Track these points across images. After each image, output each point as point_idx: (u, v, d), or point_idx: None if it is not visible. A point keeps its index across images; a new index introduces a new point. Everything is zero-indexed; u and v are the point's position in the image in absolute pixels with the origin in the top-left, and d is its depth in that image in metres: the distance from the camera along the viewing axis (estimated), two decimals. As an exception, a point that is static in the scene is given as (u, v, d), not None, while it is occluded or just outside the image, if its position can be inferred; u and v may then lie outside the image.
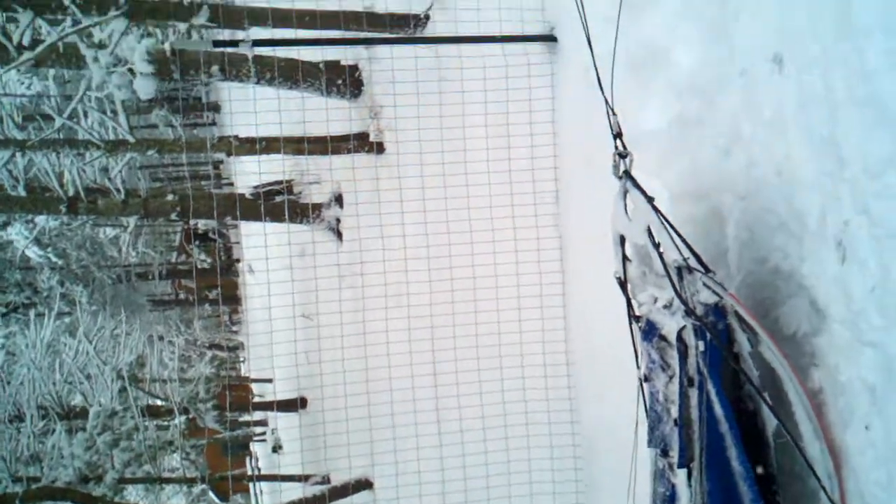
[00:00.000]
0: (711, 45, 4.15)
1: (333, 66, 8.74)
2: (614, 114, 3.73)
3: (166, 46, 7.36)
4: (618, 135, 3.70)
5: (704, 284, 3.43)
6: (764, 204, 3.72)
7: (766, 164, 3.73)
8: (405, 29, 7.79)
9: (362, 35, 7.73)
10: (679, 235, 3.59)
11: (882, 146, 2.99)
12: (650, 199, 3.57)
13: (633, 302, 3.73)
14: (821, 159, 3.34)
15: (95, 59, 7.33)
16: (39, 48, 7.05)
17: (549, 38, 6.16)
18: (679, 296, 3.37)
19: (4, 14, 7.23)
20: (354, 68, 8.99)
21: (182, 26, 10.58)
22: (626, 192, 3.68)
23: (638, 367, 3.68)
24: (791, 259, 3.54)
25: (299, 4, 7.31)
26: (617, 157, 3.70)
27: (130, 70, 7.42)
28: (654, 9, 4.64)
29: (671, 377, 3.42)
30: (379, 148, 8.75)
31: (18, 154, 9.68)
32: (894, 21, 2.91)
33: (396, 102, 6.80)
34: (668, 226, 3.54)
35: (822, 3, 3.29)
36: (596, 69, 3.86)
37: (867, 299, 3.08)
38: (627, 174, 3.68)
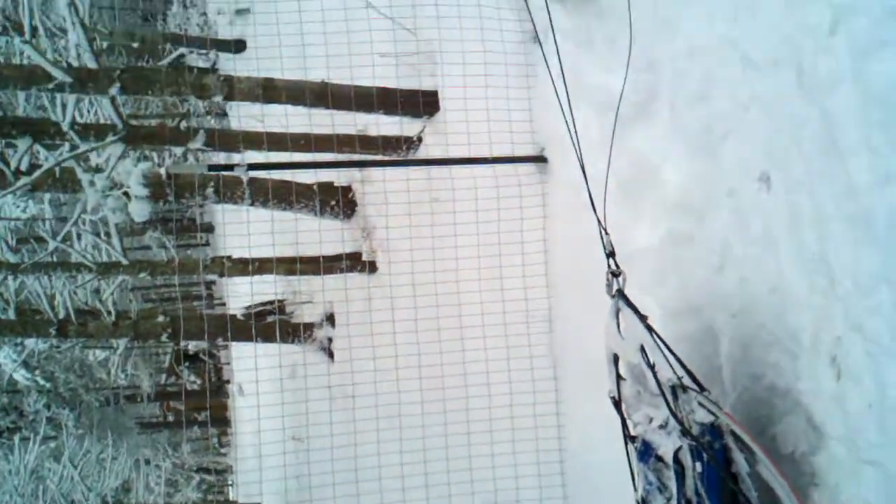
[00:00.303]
0: (700, 165, 4.23)
1: (327, 188, 8.83)
2: (607, 233, 3.76)
3: (162, 170, 7.45)
4: (611, 254, 3.73)
5: (700, 403, 3.39)
6: (757, 321, 3.71)
7: (758, 282, 3.74)
8: (397, 151, 7.91)
9: (356, 157, 7.84)
10: (673, 354, 3.57)
11: (872, 263, 3.01)
12: (643, 318, 3.56)
13: (629, 422, 3.67)
14: (812, 276, 3.35)
15: (91, 183, 7.40)
16: (37, 173, 7.12)
17: (540, 159, 6.27)
18: (674, 415, 3.32)
19: (3, 140, 7.33)
20: (348, 189, 9.09)
21: (178, 150, 10.76)
22: (618, 311, 3.67)
23: (635, 490, 3.59)
24: (786, 376, 3.52)
25: (293, 128, 7.45)
26: (610, 275, 3.71)
27: (126, 193, 7.48)
28: (643, 129, 4.74)
29: (669, 499, 3.33)
30: (371, 268, 8.76)
31: (10, 277, 9.67)
32: (879, 141, 2.96)
33: (389, 223, 6.86)
34: (661, 344, 3.52)
35: (807, 123, 3.36)
36: (588, 189, 3.91)
37: (865, 416, 3.04)
38: (620, 293, 3.68)
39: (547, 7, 4.66)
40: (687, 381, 3.52)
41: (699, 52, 4.19)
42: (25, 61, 7.52)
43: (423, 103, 7.43)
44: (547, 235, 6.29)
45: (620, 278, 3.70)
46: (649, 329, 3.52)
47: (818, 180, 3.31)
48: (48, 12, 12.76)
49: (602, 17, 5.16)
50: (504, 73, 6.30)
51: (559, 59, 4.27)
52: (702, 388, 3.50)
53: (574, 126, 4.05)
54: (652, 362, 3.48)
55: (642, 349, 3.51)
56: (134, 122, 8.91)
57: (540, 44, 5.02)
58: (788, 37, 3.46)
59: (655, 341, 3.50)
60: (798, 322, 3.43)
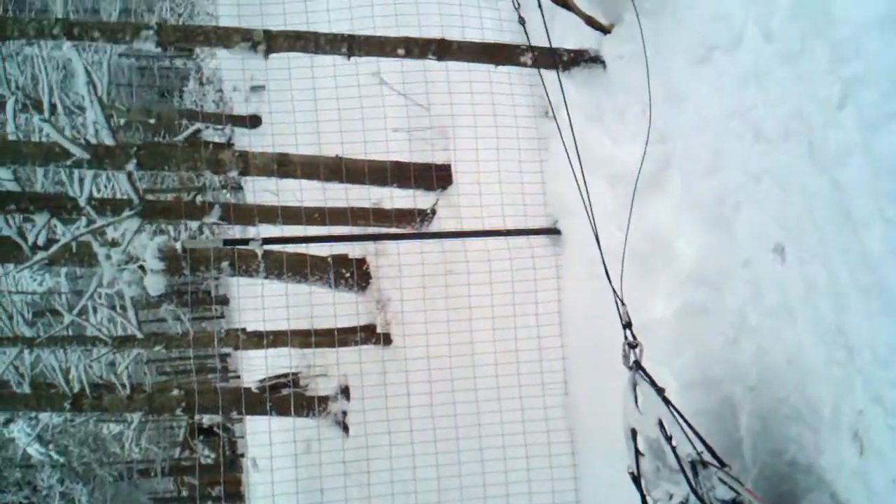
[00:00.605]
0: (713, 236, 4.23)
1: (341, 260, 8.87)
2: (623, 304, 3.74)
3: (178, 245, 7.50)
4: (627, 325, 3.71)
5: (720, 479, 3.33)
6: (776, 394, 3.67)
7: (775, 354, 3.70)
8: (411, 224, 7.96)
9: (370, 230, 7.88)
10: (691, 428, 3.52)
11: (890, 335, 2.97)
12: (661, 391, 3.52)
13: (648, 498, 3.61)
14: (830, 348, 3.32)
15: (108, 257, 7.45)
16: (53, 248, 7.17)
17: (553, 231, 6.29)
18: (695, 492, 3.26)
19: (21, 215, 7.41)
20: (362, 262, 9.13)
21: (194, 224, 10.84)
22: (635, 384, 3.64)
23: (657, 568, 3.52)
24: (808, 451, 3.45)
25: (308, 202, 7.51)
26: (627, 347, 3.69)
27: (141, 267, 7.52)
28: (656, 201, 4.75)
29: (691, 578, 3.26)
30: (386, 340, 8.74)
31: (26, 351, 9.69)
32: (892, 212, 2.96)
33: (403, 295, 6.86)
34: (680, 418, 3.48)
35: (819, 194, 3.36)
36: (603, 261, 3.91)
37: (890, 492, 2.98)
38: (638, 365, 3.65)
39: (559, 81, 4.71)
40: (707, 456, 3.47)
41: (709, 125, 4.21)
42: (44, 138, 7.65)
43: (436, 177, 7.50)
44: (561, 307, 6.28)
45: (637, 350, 3.68)
46: (667, 402, 3.49)
47: (832, 251, 3.30)
48: (67, 90, 13.02)
49: (611, 91, 5.22)
50: (516, 146, 6.37)
51: (573, 132, 4.31)
52: (722, 464, 3.44)
53: (589, 199, 4.07)
54: (671, 436, 3.43)
55: (660, 423, 3.47)
56: (150, 197, 9.01)
57: (554, 116, 5.07)
58: (798, 109, 3.48)
59: (674, 415, 3.46)
60: (818, 395, 3.39)
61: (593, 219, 4.03)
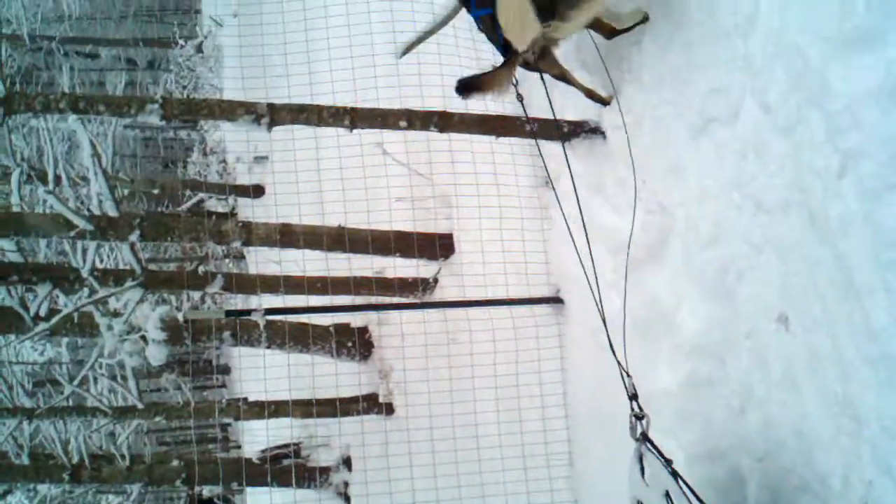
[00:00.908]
0: (716, 307, 4.22)
1: (343, 329, 8.86)
2: (629, 375, 3.73)
3: (180, 316, 7.50)
4: (633, 396, 3.68)
5: (729, 552, 3.28)
6: (784, 465, 3.63)
7: (782, 425, 3.67)
8: (414, 293, 7.96)
9: (372, 300, 7.88)
10: (700, 500, 3.47)
11: (897, 406, 2.96)
12: (668, 463, 3.48)
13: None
14: (838, 419, 3.29)
15: (109, 328, 7.44)
16: (55, 319, 7.17)
17: (556, 300, 6.29)
18: (704, 565, 3.21)
19: (24, 286, 7.42)
20: (364, 330, 9.11)
21: (196, 294, 10.84)
22: (642, 456, 3.61)
23: None
24: (818, 523, 3.41)
25: (310, 271, 7.52)
26: (633, 419, 3.66)
27: (143, 337, 7.51)
28: (657, 271, 4.76)
29: None
30: (388, 410, 8.68)
31: (26, 422, 9.62)
32: (895, 281, 2.96)
33: (406, 365, 6.83)
34: (688, 490, 3.44)
35: (821, 264, 3.37)
36: (607, 333, 3.91)
37: (901, 565, 2.94)
38: (644, 436, 3.62)
39: (564, 152, 4.76)
40: (715, 529, 3.42)
41: (710, 195, 4.24)
42: (48, 210, 7.70)
43: (438, 246, 7.52)
44: (565, 376, 6.25)
45: (644, 421, 3.65)
46: (675, 474, 3.45)
47: (836, 321, 3.30)
48: (72, 161, 13.16)
49: (611, 161, 5.27)
50: (518, 215, 6.41)
51: (579, 202, 4.34)
52: (730, 537, 3.39)
53: (594, 269, 4.08)
54: (678, 510, 3.39)
55: (667, 495, 3.43)
56: (153, 266, 9.03)
57: (553, 187, 5.12)
58: (798, 180, 3.51)
59: (681, 487, 3.42)
60: (826, 466, 3.35)
61: (598, 290, 4.03)
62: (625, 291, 4.25)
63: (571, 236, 4.26)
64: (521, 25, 4.33)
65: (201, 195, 14.59)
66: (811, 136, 3.39)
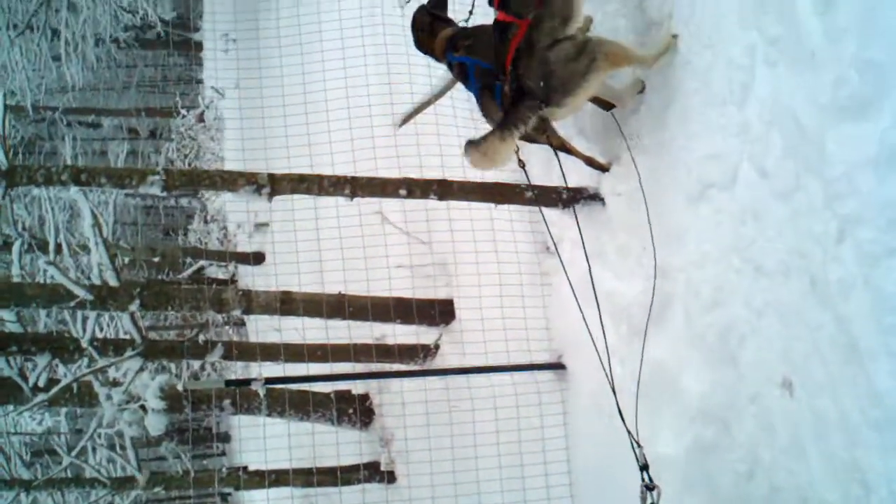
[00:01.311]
0: (719, 371, 4.20)
1: (344, 396, 8.80)
2: (640, 446, 3.69)
3: (179, 386, 7.46)
4: (644, 467, 3.63)
5: None
6: (792, 532, 3.58)
7: (789, 490, 3.64)
8: (415, 360, 7.93)
9: (373, 367, 7.85)
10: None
11: (904, 469, 2.93)
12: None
13: None
14: (846, 485, 3.26)
15: (108, 397, 7.39)
16: (54, 389, 7.14)
17: (558, 367, 6.26)
18: None
19: (23, 356, 7.39)
20: (365, 397, 9.05)
21: (196, 363, 10.80)
22: (651, 527, 3.55)
23: None
24: (828, 592, 3.35)
25: (310, 339, 7.51)
26: (644, 489, 3.61)
27: (142, 407, 7.46)
28: (659, 336, 4.74)
29: None
30: (390, 478, 8.58)
31: (23, 493, 9.50)
32: (896, 346, 2.96)
33: (407, 433, 6.78)
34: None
35: (824, 328, 3.37)
36: (617, 402, 3.88)
37: None
38: (657, 509, 3.57)
39: (576, 217, 4.77)
40: None
41: (710, 260, 4.25)
42: (49, 279, 7.70)
43: (438, 312, 7.52)
44: (569, 443, 6.19)
45: (655, 493, 3.60)
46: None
47: (841, 385, 3.28)
48: (73, 230, 13.21)
49: (611, 227, 5.29)
50: (518, 281, 6.42)
51: (589, 267, 4.36)
52: None
53: (604, 335, 4.08)
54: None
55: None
56: (153, 334, 9.00)
57: (557, 252, 5.13)
58: (797, 245, 3.52)
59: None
60: (835, 533, 3.31)
61: (608, 359, 4.01)
62: (641, 356, 4.23)
63: (577, 301, 4.26)
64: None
65: (202, 262, 14.60)
66: (809, 201, 3.41)
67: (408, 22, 4.89)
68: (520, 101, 4.32)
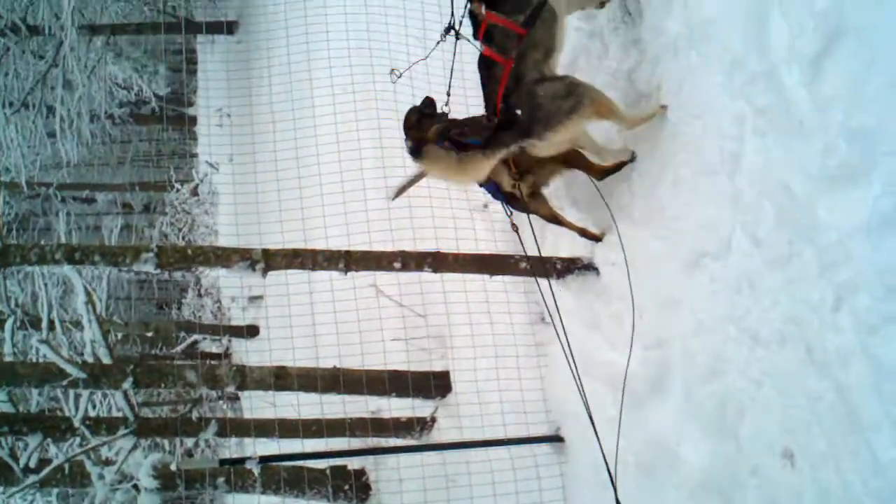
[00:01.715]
0: (718, 443, 4.15)
1: (340, 472, 8.67)
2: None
3: (173, 465, 7.35)
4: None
5: None
6: None
7: (794, 566, 3.56)
8: (411, 433, 7.84)
9: (369, 441, 7.75)
10: None
11: (911, 545, 2.88)
12: None
13: None
14: (851, 558, 3.20)
15: (101, 477, 7.28)
16: (46, 470, 7.02)
17: (556, 439, 6.18)
18: None
19: (14, 437, 7.29)
20: (361, 473, 8.91)
21: (190, 440, 10.66)
22: None
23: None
24: None
25: (305, 414, 7.43)
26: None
27: (135, 486, 7.34)
28: (657, 408, 4.70)
29: None
30: (389, 558, 8.43)
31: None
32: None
33: (405, 510, 6.67)
34: None
35: (823, 397, 3.34)
36: (609, 473, 3.82)
37: None
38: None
39: (552, 290, 4.78)
40: None
41: (705, 329, 4.23)
42: (41, 358, 7.64)
43: (434, 385, 7.46)
44: (569, 518, 6.09)
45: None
46: None
47: (843, 455, 3.25)
48: (66, 306, 13.14)
49: (605, 297, 5.28)
50: (514, 353, 6.38)
51: (567, 339, 4.33)
52: None
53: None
54: None
55: None
56: (146, 410, 8.90)
57: (553, 323, 5.11)
58: (793, 313, 3.51)
59: None
60: None
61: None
62: (619, 424, 4.17)
63: (573, 372, 4.22)
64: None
65: (195, 336, 14.53)
66: (804, 269, 3.41)
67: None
68: (506, 130, 4.39)
